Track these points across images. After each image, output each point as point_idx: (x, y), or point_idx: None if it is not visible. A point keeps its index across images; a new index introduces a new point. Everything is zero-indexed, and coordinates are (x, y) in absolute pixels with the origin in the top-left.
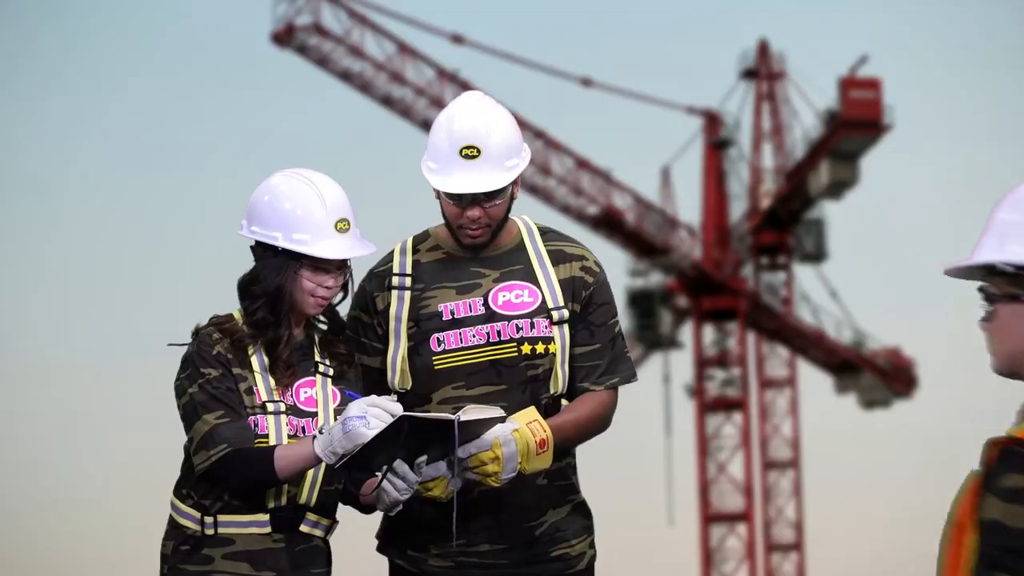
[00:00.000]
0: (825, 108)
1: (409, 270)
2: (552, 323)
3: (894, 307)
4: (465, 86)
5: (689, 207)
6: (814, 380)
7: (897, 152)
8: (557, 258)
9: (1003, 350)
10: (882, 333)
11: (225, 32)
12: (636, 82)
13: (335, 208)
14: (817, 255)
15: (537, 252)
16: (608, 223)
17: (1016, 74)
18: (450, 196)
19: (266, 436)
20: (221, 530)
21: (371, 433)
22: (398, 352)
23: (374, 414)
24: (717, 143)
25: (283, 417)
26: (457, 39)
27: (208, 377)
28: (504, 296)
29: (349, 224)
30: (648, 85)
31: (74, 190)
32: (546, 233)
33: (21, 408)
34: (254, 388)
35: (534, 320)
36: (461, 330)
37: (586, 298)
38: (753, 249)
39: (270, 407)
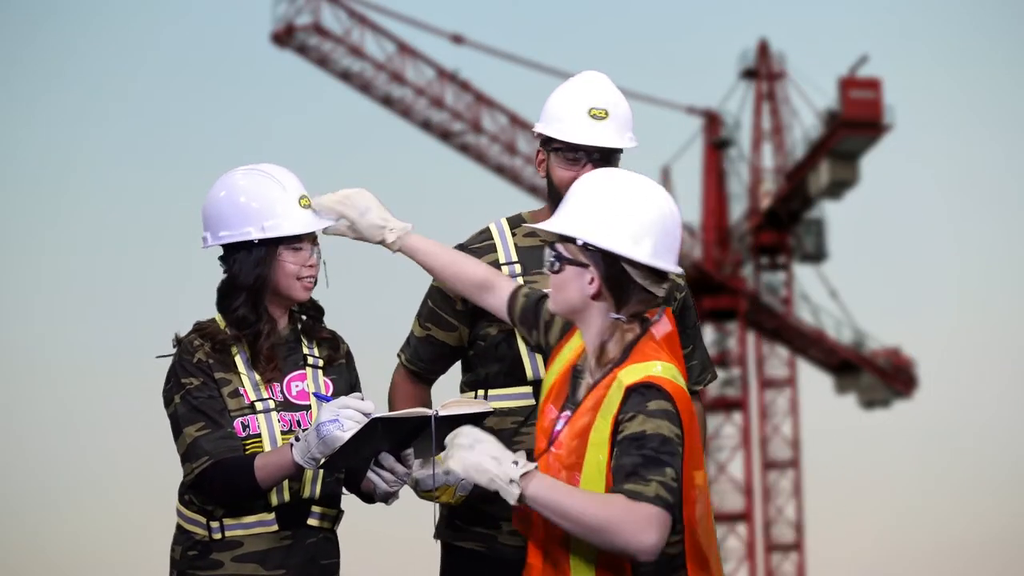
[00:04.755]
0: (825, 108)
1: (515, 257)
2: None
3: (894, 307)
4: (465, 86)
5: (689, 207)
6: (814, 380)
7: (897, 152)
8: None
9: (564, 299)
10: (882, 333)
11: (225, 32)
12: (636, 82)
13: (294, 188)
14: (817, 255)
15: None
16: None
17: (1015, 74)
18: (567, 157)
19: (259, 436)
20: (228, 533)
21: (346, 436)
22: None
23: (346, 415)
24: (717, 143)
25: (274, 414)
26: (457, 39)
27: (189, 387)
28: None
29: (309, 199)
30: (648, 85)
31: (74, 190)
32: None
33: (21, 408)
34: (241, 390)
35: None
36: None
37: (680, 301)
38: (753, 249)
39: (259, 406)
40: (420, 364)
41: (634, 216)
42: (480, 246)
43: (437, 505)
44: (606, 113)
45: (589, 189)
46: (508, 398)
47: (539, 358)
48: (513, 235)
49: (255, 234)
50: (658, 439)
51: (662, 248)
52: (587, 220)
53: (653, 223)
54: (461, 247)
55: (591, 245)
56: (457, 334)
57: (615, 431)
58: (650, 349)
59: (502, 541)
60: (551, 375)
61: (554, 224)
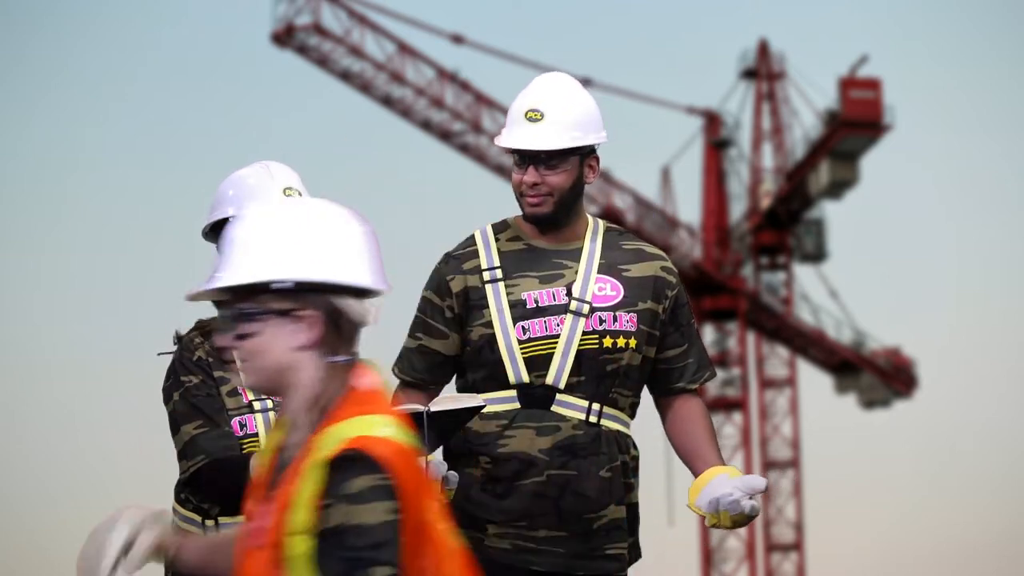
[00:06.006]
0: (825, 108)
1: (497, 262)
2: (636, 320)
3: (894, 307)
4: (465, 86)
5: (689, 207)
6: (814, 380)
7: (897, 152)
8: (637, 256)
9: (266, 364)
10: (882, 333)
11: (225, 32)
12: (636, 82)
13: (284, 180)
14: (817, 255)
15: (606, 247)
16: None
17: (1016, 74)
18: (515, 161)
19: (256, 435)
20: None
21: None
22: (512, 343)
23: None
24: (717, 143)
25: (271, 414)
26: (457, 39)
27: (188, 385)
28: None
29: (300, 195)
30: (648, 85)
31: (74, 190)
32: (622, 233)
33: (21, 408)
34: (239, 388)
35: (616, 313)
36: (546, 319)
37: (672, 299)
38: (753, 249)
39: (257, 405)
40: (415, 375)
41: (337, 239)
42: (464, 252)
43: None
44: (541, 115)
45: (260, 226)
46: (492, 402)
47: (520, 362)
48: (497, 240)
49: (231, 212)
50: (360, 532)
51: (375, 267)
52: (282, 257)
53: (360, 243)
54: (448, 255)
55: (306, 283)
56: (450, 341)
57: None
58: (354, 405)
59: (488, 544)
60: (259, 468)
61: (247, 273)
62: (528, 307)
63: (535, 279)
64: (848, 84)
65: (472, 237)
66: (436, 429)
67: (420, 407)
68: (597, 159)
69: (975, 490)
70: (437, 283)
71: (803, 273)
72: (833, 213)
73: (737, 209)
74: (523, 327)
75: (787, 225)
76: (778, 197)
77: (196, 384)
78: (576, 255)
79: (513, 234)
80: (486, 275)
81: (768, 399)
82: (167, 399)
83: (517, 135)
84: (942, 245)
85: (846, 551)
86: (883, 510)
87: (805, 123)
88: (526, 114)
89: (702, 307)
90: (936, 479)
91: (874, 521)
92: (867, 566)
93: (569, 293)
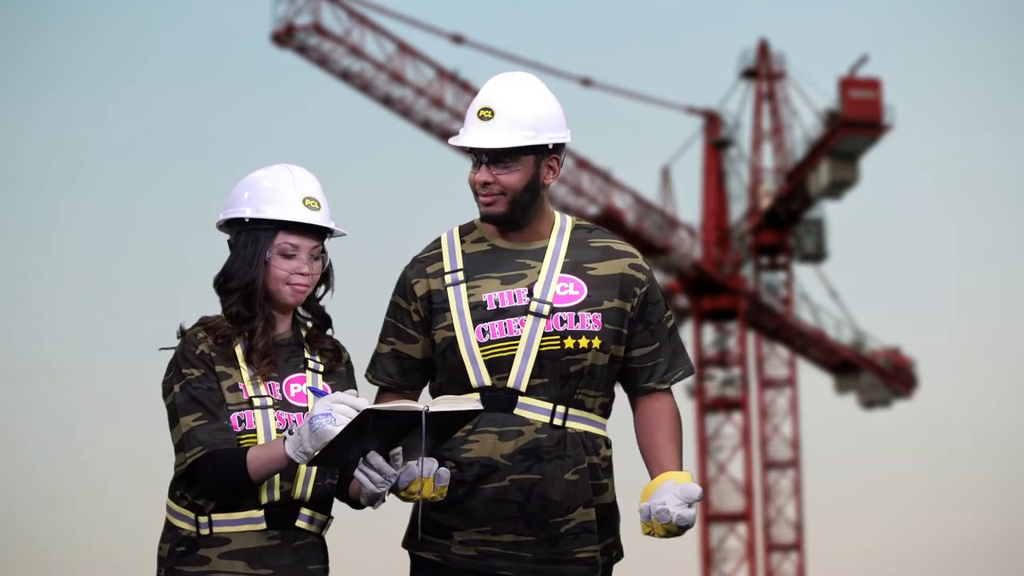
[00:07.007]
0: (825, 108)
1: (460, 264)
2: (600, 319)
3: (894, 307)
4: (465, 86)
5: (689, 207)
6: (814, 380)
7: (897, 152)
8: (604, 254)
9: None
10: (882, 333)
11: (225, 32)
12: (636, 82)
13: (305, 188)
14: (817, 255)
15: (572, 246)
16: (608, 223)
17: (1016, 74)
18: (472, 160)
19: (254, 431)
20: (216, 529)
21: (337, 430)
22: (472, 346)
23: (339, 410)
24: (717, 143)
25: (271, 411)
26: (457, 39)
27: (189, 378)
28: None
29: (319, 205)
30: (648, 85)
31: (74, 189)
32: (592, 230)
33: (21, 407)
34: (240, 385)
35: (579, 313)
36: (505, 320)
37: (641, 297)
38: (753, 249)
39: (257, 402)
40: (389, 379)
41: None
42: (429, 255)
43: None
44: (492, 113)
45: None
46: None
47: (482, 365)
48: (462, 242)
49: (248, 213)
50: None
51: None
52: None
53: None
54: (415, 258)
55: None
56: (419, 345)
57: None
58: None
59: (454, 551)
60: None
61: None
62: (488, 309)
63: (497, 280)
64: (848, 84)
65: (438, 239)
66: (433, 430)
67: (419, 406)
68: (558, 160)
69: (975, 490)
70: (403, 287)
71: (803, 273)
72: (833, 213)
73: (737, 209)
74: (483, 329)
75: (787, 225)
76: (778, 197)
77: (198, 377)
78: (539, 255)
79: (478, 235)
80: (448, 278)
81: (768, 399)
82: (167, 392)
83: (468, 134)
84: (942, 245)
85: (846, 551)
86: (883, 510)
87: (805, 123)
88: (478, 113)
89: (702, 307)
90: (936, 479)
91: (874, 521)
92: (867, 566)
93: (530, 294)
